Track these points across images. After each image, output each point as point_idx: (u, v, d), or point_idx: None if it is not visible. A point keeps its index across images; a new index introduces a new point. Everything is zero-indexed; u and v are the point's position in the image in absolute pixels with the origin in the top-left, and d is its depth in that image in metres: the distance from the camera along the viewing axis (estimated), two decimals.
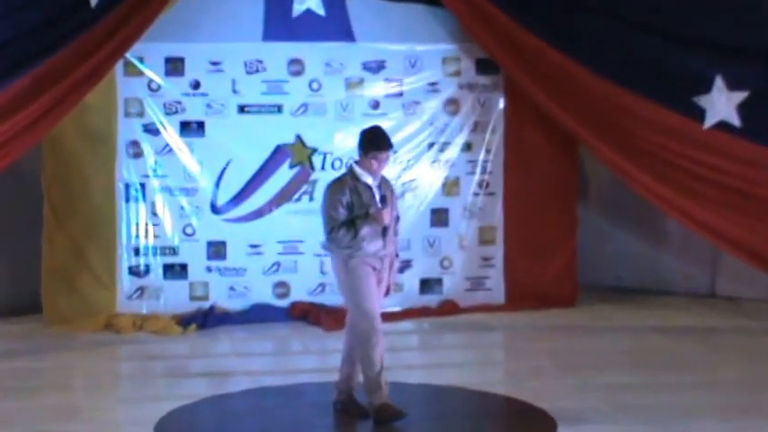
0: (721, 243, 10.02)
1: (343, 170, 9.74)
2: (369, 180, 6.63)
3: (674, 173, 9.81)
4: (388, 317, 10.08)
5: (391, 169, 9.85)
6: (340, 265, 6.69)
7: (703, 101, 9.52)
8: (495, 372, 8.84)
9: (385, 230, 6.59)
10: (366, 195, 6.61)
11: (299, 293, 10.26)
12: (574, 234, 10.85)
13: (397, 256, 6.89)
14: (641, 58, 9.71)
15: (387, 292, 6.89)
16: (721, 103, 9.44)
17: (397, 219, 6.88)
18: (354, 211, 6.57)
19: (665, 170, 9.84)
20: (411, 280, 10.37)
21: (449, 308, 10.44)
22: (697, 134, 9.59)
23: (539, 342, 9.51)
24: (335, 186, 6.67)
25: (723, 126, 9.50)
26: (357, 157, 6.76)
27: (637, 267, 11.59)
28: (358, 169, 6.67)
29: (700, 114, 9.53)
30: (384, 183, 6.77)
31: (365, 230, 6.54)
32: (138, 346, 9.28)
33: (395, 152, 10.01)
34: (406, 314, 10.14)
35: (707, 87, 9.48)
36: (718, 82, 9.44)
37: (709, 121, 9.54)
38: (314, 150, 10.22)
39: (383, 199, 6.66)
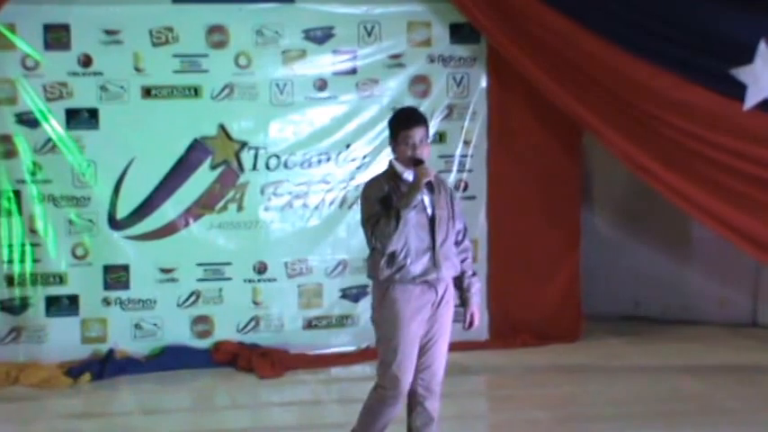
0: (766, 257, 9.96)
1: (284, 169, 10.13)
2: (412, 177, 6.61)
3: (706, 167, 9.74)
4: (337, 358, 10.02)
5: (344, 167, 10.15)
6: (379, 296, 6.73)
7: (744, 74, 9.41)
8: (478, 427, 8.79)
9: (433, 226, 6.54)
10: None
11: (225, 331, 10.20)
12: (577, 249, 10.87)
13: (474, 274, 6.89)
14: (663, 20, 9.63)
15: (470, 325, 6.89)
16: (767, 77, 9.35)
17: (465, 230, 6.90)
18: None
19: (695, 164, 9.77)
20: (368, 311, 10.08)
21: None
22: (736, 117, 9.49)
23: (533, 388, 9.46)
24: (371, 187, 6.72)
25: None
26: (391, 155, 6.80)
27: (659, 291, 11.59)
28: (398, 166, 6.67)
29: (739, 91, 9.43)
30: (436, 182, 6.72)
31: (407, 236, 6.50)
32: (12, 405, 9.08)
33: (347, 146, 10.32)
34: (363, 355, 10.06)
35: (748, 56, 9.36)
36: (763, 49, 9.32)
37: (752, 100, 9.43)
38: (242, 145, 10.15)
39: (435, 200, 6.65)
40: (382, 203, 6.50)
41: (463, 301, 6.80)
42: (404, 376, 6.59)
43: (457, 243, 6.76)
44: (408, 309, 6.55)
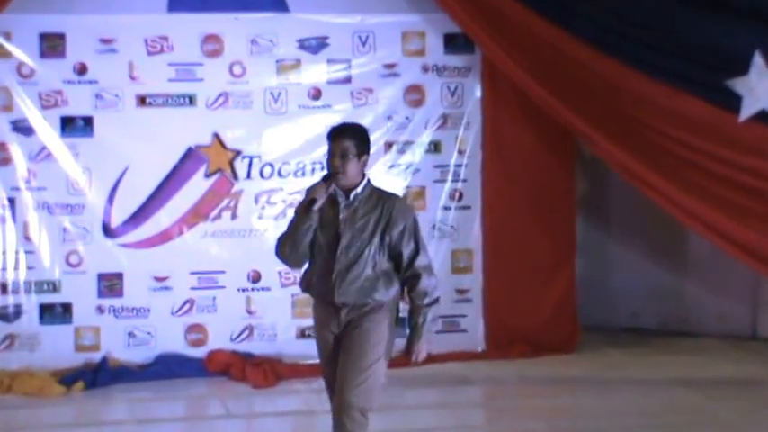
0: (764, 269, 9.95)
1: (278, 178, 10.20)
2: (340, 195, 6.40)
3: (702, 178, 9.78)
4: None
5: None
6: None
7: (739, 85, 9.46)
8: None
9: (333, 254, 6.30)
10: (329, 214, 6.39)
11: (218, 340, 10.21)
12: (572, 258, 10.85)
13: (430, 304, 6.46)
14: (657, 31, 9.69)
15: (415, 359, 6.62)
16: (762, 88, 9.38)
17: (416, 254, 6.43)
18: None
19: (690, 174, 9.81)
20: None
21: None
22: (730, 128, 9.53)
23: (529, 400, 9.45)
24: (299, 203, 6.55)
25: (764, 117, 9.43)
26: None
27: (657, 302, 11.58)
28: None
29: (734, 102, 9.47)
30: (372, 201, 6.41)
31: (317, 254, 6.40)
32: (4, 413, 9.04)
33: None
34: None
35: (743, 68, 9.41)
36: (758, 60, 9.37)
37: (747, 112, 9.48)
38: (236, 154, 10.21)
39: (350, 220, 6.34)
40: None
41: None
42: (326, 380, 6.59)
43: (400, 268, 6.40)
44: (321, 327, 6.49)
